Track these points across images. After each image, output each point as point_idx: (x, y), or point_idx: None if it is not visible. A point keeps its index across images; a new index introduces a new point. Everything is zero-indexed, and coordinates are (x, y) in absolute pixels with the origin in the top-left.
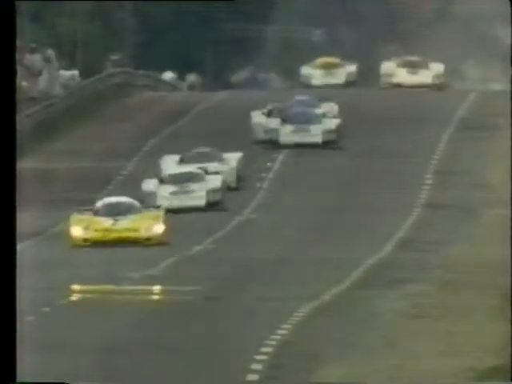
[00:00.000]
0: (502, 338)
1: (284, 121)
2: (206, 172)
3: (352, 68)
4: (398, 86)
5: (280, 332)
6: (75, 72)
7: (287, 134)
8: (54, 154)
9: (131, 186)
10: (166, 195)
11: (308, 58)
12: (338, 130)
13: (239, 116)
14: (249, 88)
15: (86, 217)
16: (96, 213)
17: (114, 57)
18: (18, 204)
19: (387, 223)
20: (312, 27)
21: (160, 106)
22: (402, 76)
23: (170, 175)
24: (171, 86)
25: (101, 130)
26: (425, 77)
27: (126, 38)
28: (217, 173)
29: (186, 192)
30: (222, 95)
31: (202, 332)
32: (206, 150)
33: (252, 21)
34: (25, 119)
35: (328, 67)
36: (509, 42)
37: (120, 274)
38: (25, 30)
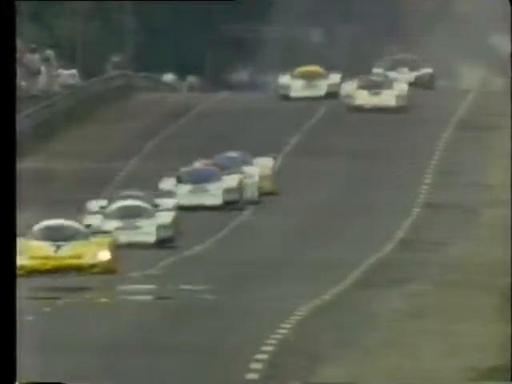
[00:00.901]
0: (502, 338)
1: (180, 181)
2: (156, 206)
3: (335, 78)
4: (359, 108)
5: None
6: (74, 71)
7: (183, 195)
8: (54, 155)
9: (131, 186)
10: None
11: (308, 58)
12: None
13: (237, 117)
14: (248, 88)
15: (22, 241)
16: (35, 237)
17: (115, 58)
18: (17, 204)
19: (387, 223)
20: (311, 27)
21: (159, 107)
22: (363, 98)
23: (116, 209)
24: (171, 88)
25: (101, 131)
26: (387, 98)
27: (126, 39)
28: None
29: (133, 228)
30: (220, 96)
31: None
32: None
33: (251, 21)
34: (25, 119)
35: (309, 77)
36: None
37: None
38: (24, 31)
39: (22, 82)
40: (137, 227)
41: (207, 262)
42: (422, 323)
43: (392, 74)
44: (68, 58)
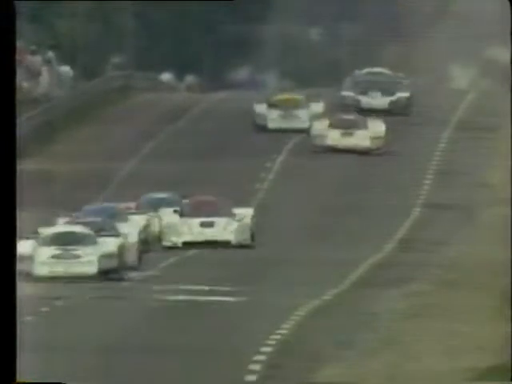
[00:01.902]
0: (502, 338)
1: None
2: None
3: (318, 107)
4: (331, 149)
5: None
6: (67, 68)
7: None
8: (55, 156)
9: (131, 186)
10: (44, 260)
11: (308, 59)
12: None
13: (235, 117)
14: (247, 88)
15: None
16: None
17: (115, 59)
18: (18, 205)
19: (387, 223)
20: (311, 27)
21: (159, 107)
22: (335, 138)
23: (52, 235)
24: (170, 88)
25: (100, 132)
26: (361, 139)
27: (126, 40)
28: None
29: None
30: (219, 96)
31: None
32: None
33: (250, 21)
34: (26, 121)
35: (288, 106)
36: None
37: None
38: (24, 31)
39: (22, 84)
40: (76, 256)
41: None
42: (422, 323)
43: (364, 99)
44: (68, 59)
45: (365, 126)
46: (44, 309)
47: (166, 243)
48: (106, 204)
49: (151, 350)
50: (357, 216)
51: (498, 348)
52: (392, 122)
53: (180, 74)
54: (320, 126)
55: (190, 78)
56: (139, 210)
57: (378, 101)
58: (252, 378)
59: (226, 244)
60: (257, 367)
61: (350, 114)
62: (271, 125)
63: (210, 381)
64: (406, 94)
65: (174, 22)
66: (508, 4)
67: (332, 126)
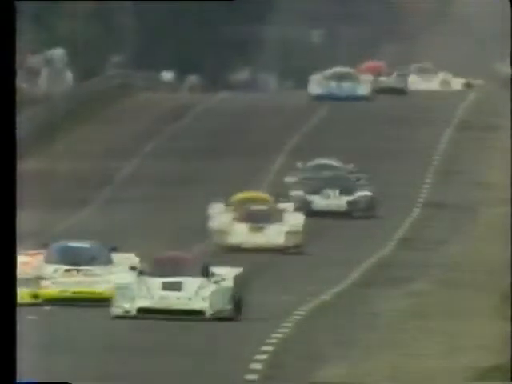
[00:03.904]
0: (502, 338)
1: None
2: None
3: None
4: (236, 249)
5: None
6: (67, 68)
7: None
8: (55, 155)
9: (131, 186)
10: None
11: (307, 59)
12: None
13: (233, 118)
14: (247, 89)
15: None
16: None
17: (115, 58)
18: (18, 204)
19: (387, 223)
20: (311, 28)
21: (159, 107)
22: (242, 235)
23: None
24: (171, 87)
25: (100, 131)
26: (274, 235)
27: (126, 39)
28: None
29: None
30: (220, 97)
31: None
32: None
33: (251, 21)
34: (26, 121)
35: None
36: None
37: None
38: (25, 32)
39: (22, 85)
40: None
41: None
42: (422, 322)
43: (316, 200)
44: (68, 58)
45: (279, 219)
46: None
47: (115, 310)
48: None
49: None
50: None
51: (498, 348)
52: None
53: (180, 74)
54: (222, 219)
55: (191, 78)
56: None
57: (334, 201)
58: None
59: (197, 315)
60: None
61: (261, 204)
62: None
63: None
64: (367, 193)
65: (174, 22)
66: (508, 4)
67: (238, 218)
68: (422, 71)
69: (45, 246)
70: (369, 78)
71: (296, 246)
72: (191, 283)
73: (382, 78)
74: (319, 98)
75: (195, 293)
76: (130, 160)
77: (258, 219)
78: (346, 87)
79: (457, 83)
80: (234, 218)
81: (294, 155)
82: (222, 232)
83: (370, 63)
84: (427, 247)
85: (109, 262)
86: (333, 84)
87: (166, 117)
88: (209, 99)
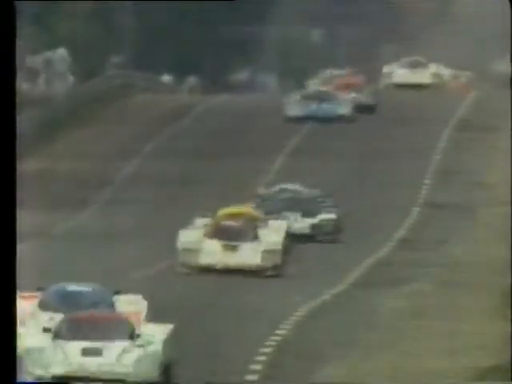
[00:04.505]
0: (502, 338)
1: None
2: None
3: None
4: (207, 269)
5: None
6: (67, 68)
7: None
8: (55, 156)
9: (131, 186)
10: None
11: (307, 60)
12: None
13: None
14: (247, 90)
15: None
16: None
17: (115, 59)
18: (18, 204)
19: (387, 222)
20: (312, 28)
21: (159, 108)
22: (214, 253)
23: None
24: (170, 88)
25: (100, 132)
26: (249, 254)
27: (126, 39)
28: None
29: None
30: (219, 98)
31: None
32: None
33: (251, 22)
34: (26, 121)
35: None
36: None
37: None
38: (25, 32)
39: (22, 85)
40: None
41: None
42: (422, 323)
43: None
44: (68, 58)
45: (255, 236)
46: None
47: (26, 376)
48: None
49: None
50: None
51: (498, 348)
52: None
53: (180, 75)
54: (190, 235)
55: (191, 80)
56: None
57: (295, 224)
58: None
59: (119, 383)
60: None
61: (236, 219)
62: (206, 259)
63: None
64: (331, 216)
65: (173, 22)
66: (508, 4)
67: (209, 234)
68: (411, 65)
69: (40, 289)
70: (349, 96)
71: (274, 267)
72: (113, 348)
73: (353, 95)
74: (297, 121)
75: (118, 359)
76: (129, 160)
77: (231, 236)
78: (326, 108)
79: (449, 76)
80: (204, 235)
81: (295, 155)
82: (191, 250)
83: (345, 78)
84: (427, 247)
85: (112, 307)
86: (311, 104)
87: (165, 117)
88: (209, 100)
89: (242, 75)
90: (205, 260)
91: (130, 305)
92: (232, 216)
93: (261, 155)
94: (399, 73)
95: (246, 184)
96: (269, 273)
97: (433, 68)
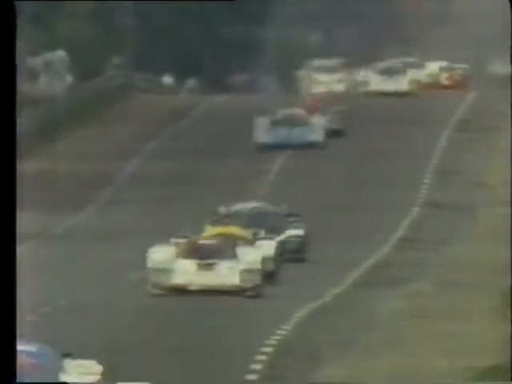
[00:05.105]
0: (502, 338)
1: None
2: None
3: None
4: (181, 290)
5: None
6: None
7: None
8: (55, 156)
9: (131, 186)
10: None
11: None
12: None
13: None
14: (247, 91)
15: None
16: None
17: (115, 59)
18: (18, 205)
19: (387, 222)
20: (311, 29)
21: (159, 108)
22: (188, 273)
23: None
24: (170, 89)
25: (100, 132)
26: (226, 274)
27: (126, 40)
28: None
29: None
30: (219, 99)
31: None
32: None
33: (251, 23)
34: (26, 121)
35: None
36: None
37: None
38: (25, 32)
39: (22, 86)
40: None
41: None
42: (422, 323)
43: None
44: (68, 59)
45: (233, 255)
46: None
47: None
48: None
49: None
50: None
51: (498, 348)
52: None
53: (180, 75)
54: (162, 254)
55: (191, 82)
56: None
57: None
58: None
59: None
60: None
61: (213, 238)
62: (179, 280)
63: None
64: (298, 232)
65: (174, 22)
66: (508, 4)
67: (182, 253)
68: (387, 71)
69: None
70: (321, 120)
71: (254, 288)
72: None
73: (323, 118)
74: (266, 148)
75: None
76: (129, 160)
77: (207, 255)
78: (297, 133)
79: (438, 72)
80: (177, 254)
81: (296, 155)
82: (163, 270)
83: (315, 97)
84: (427, 247)
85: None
86: (282, 130)
87: (165, 118)
88: (208, 101)
89: (241, 76)
90: (178, 280)
91: (83, 369)
92: (213, 236)
93: (261, 155)
94: (374, 80)
95: (247, 184)
96: (248, 293)
97: (410, 74)
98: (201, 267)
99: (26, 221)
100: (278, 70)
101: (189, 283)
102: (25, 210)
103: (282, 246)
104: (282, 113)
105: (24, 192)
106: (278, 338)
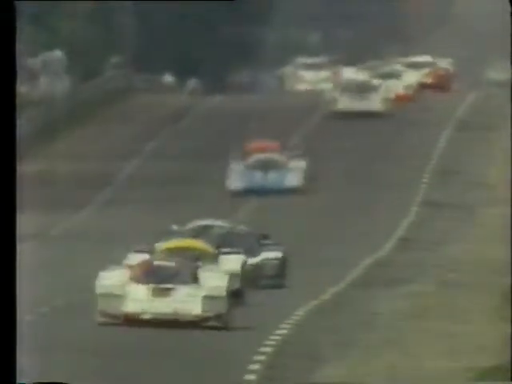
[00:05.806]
0: (502, 338)
1: None
2: None
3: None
4: (131, 320)
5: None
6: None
7: None
8: (55, 156)
9: (131, 186)
10: None
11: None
12: None
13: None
14: (247, 90)
15: None
16: None
17: (115, 59)
18: (19, 205)
19: (386, 222)
20: (311, 29)
21: (159, 109)
22: (141, 300)
23: None
24: (171, 89)
25: (100, 132)
26: (184, 301)
27: (126, 40)
28: None
29: None
30: (219, 99)
31: None
32: None
33: (251, 22)
34: (26, 122)
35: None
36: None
37: None
38: (25, 32)
39: (22, 86)
40: None
41: None
42: (422, 323)
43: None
44: (68, 59)
45: (194, 279)
46: None
47: None
48: None
49: None
50: None
51: (498, 348)
52: None
53: (180, 76)
54: (113, 278)
55: (192, 82)
56: None
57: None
58: None
59: None
60: None
61: (170, 256)
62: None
63: None
64: (276, 254)
65: (173, 22)
66: (508, 4)
67: (135, 277)
68: (355, 89)
69: None
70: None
71: (217, 317)
72: None
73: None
74: (240, 195)
75: None
76: (129, 161)
77: (163, 278)
78: (273, 178)
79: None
80: (130, 278)
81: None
82: (113, 296)
83: (258, 143)
84: (426, 247)
85: None
86: (257, 175)
87: (165, 118)
88: (208, 101)
89: (241, 76)
90: (129, 308)
91: None
92: (171, 251)
93: None
94: (344, 98)
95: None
96: (210, 323)
97: (382, 92)
98: (155, 293)
99: (24, 222)
100: (277, 69)
101: (141, 311)
102: (25, 210)
103: (257, 270)
104: (258, 157)
105: (24, 192)
106: None
